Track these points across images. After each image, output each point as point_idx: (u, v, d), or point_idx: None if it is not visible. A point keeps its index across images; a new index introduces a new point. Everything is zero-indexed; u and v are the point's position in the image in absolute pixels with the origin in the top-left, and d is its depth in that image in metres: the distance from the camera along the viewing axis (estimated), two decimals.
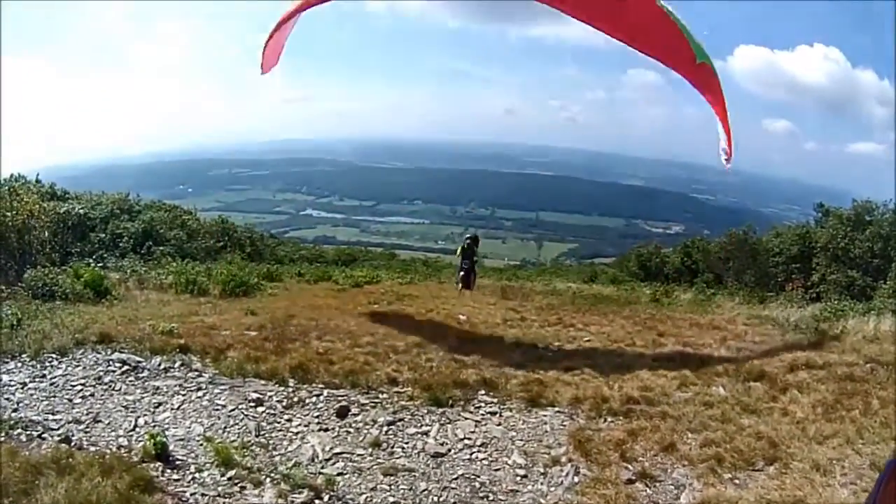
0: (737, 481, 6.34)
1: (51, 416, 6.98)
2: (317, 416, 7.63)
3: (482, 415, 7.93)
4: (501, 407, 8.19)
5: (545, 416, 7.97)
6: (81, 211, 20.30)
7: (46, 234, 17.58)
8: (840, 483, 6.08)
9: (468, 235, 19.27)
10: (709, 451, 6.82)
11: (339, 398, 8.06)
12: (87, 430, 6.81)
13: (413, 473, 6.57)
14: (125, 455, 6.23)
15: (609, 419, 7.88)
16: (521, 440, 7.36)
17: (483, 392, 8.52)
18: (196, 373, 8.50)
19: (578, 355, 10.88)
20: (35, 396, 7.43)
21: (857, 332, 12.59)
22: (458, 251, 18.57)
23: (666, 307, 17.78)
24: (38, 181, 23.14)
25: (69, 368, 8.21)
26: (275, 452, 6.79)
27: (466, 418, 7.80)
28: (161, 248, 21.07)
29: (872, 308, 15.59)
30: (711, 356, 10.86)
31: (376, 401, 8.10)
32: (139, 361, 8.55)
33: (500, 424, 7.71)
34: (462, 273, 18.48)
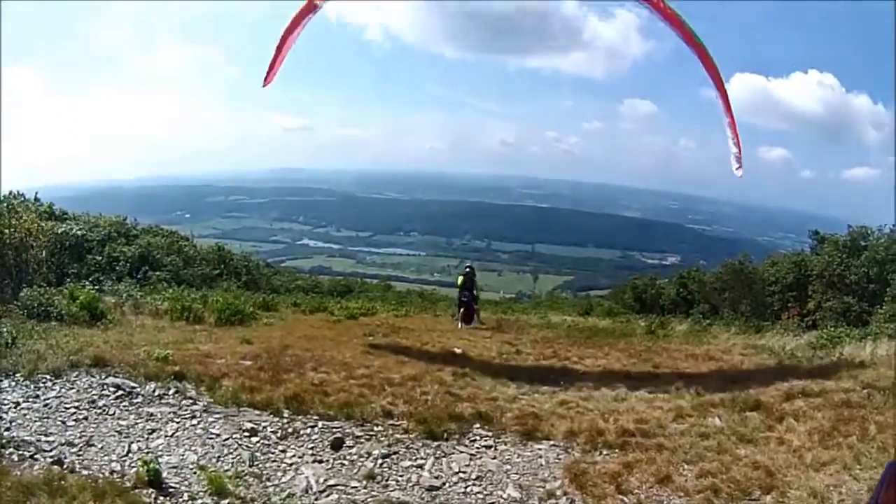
0: None
1: (43, 438, 6.94)
2: (311, 448, 7.58)
3: (477, 448, 7.87)
4: (496, 440, 8.13)
5: (540, 449, 7.92)
6: (79, 232, 20.31)
7: (44, 253, 17.57)
8: None
9: (467, 265, 19.36)
10: (705, 482, 6.79)
11: (334, 430, 8.01)
12: (80, 453, 6.77)
13: None
14: (118, 480, 6.21)
15: (604, 452, 7.84)
16: (517, 473, 7.31)
17: (478, 425, 8.47)
18: (190, 400, 8.45)
19: (574, 388, 10.86)
20: (28, 416, 7.40)
21: (853, 358, 12.67)
22: (459, 283, 18.64)
23: (661, 339, 17.80)
24: (36, 199, 23.16)
25: (63, 390, 8.17)
26: (269, 483, 6.74)
27: (461, 451, 7.75)
28: (157, 273, 21.07)
29: (869, 333, 15.60)
30: (707, 387, 10.82)
31: (371, 433, 8.04)
32: (133, 387, 8.50)
33: (495, 458, 7.66)
34: (462, 308, 18.54)
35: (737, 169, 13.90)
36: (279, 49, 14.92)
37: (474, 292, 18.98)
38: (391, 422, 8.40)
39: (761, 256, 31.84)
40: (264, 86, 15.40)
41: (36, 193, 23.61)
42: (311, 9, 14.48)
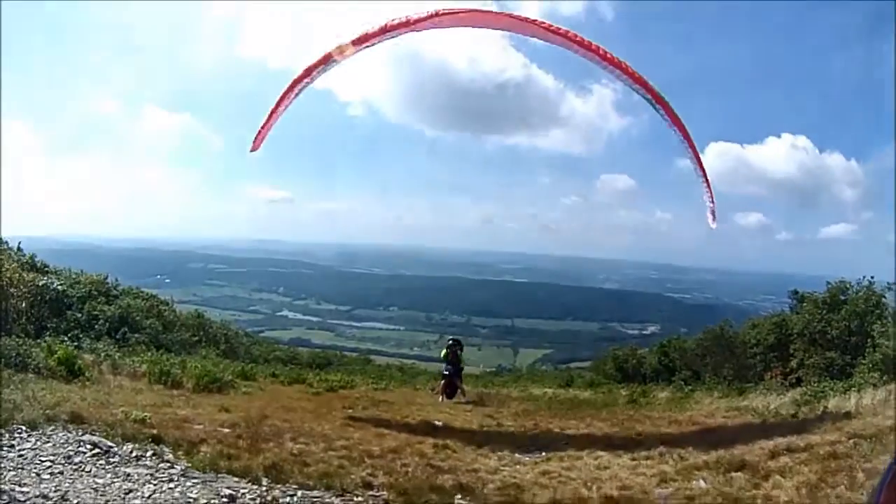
0: None
1: (17, 488, 6.79)
2: None
3: None
4: None
5: None
6: (60, 287, 20.10)
7: (24, 304, 17.47)
8: None
9: (451, 338, 19.43)
10: None
11: (314, 500, 7.86)
12: None
13: None
14: None
15: None
16: None
17: (459, 497, 8.34)
18: (168, 464, 8.29)
19: (556, 458, 10.82)
20: (3, 465, 7.28)
21: (838, 410, 12.82)
22: (442, 355, 18.64)
23: (644, 407, 17.87)
24: (19, 249, 23.05)
25: (38, 443, 8.04)
26: None
27: None
28: (136, 335, 20.88)
29: (853, 385, 15.71)
30: (691, 451, 10.80)
31: (351, 503, 7.89)
32: (110, 446, 8.36)
33: None
34: (443, 381, 18.48)
35: (712, 222, 14.92)
36: (270, 115, 15.28)
37: (460, 365, 18.91)
38: (371, 493, 8.24)
39: (742, 320, 31.83)
40: (252, 150, 15.88)
41: (19, 244, 23.48)
42: (304, 78, 15.06)
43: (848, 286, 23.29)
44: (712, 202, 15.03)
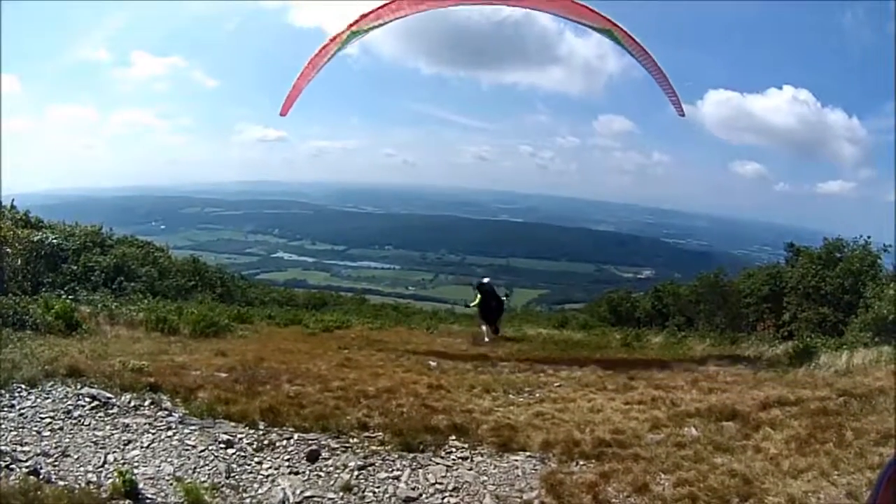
0: None
1: (19, 448, 6.90)
2: (287, 460, 7.58)
3: (453, 460, 7.91)
4: (472, 452, 8.17)
5: (516, 460, 7.97)
6: (55, 241, 20.02)
7: (19, 261, 17.48)
8: None
9: (484, 280, 19.37)
10: (682, 491, 6.87)
11: (310, 442, 8.03)
12: (56, 463, 6.74)
13: None
14: (94, 491, 6.19)
15: (581, 462, 7.90)
16: (493, 484, 7.34)
17: (454, 437, 8.51)
18: (166, 412, 8.43)
19: (549, 400, 10.95)
20: (3, 426, 7.36)
21: (829, 366, 12.92)
22: (477, 302, 18.64)
23: (637, 351, 17.96)
24: (12, 207, 23.00)
25: (38, 400, 8.14)
26: (245, 495, 6.75)
27: (437, 463, 7.78)
28: (132, 283, 20.88)
29: (844, 343, 15.90)
30: (683, 398, 10.93)
31: (347, 445, 8.06)
32: (109, 397, 8.47)
33: (471, 469, 7.69)
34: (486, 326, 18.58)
35: (680, 113, 16.21)
36: (298, 80, 15.70)
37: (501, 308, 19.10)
38: (367, 434, 8.41)
39: (736, 269, 31.87)
40: (282, 114, 16.27)
41: (12, 200, 23.40)
42: (338, 42, 15.37)
43: (844, 244, 23.34)
44: (676, 95, 15.82)
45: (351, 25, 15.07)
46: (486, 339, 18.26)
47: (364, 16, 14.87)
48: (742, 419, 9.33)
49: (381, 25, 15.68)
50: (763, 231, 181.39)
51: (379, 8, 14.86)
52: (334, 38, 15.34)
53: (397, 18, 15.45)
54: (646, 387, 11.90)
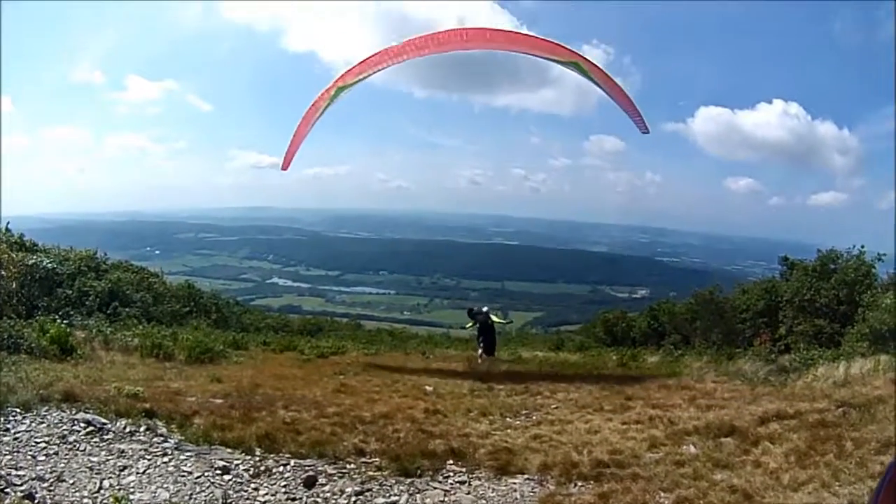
0: None
1: (14, 472, 6.84)
2: (284, 486, 7.51)
3: (451, 484, 7.85)
4: (470, 476, 8.12)
5: (515, 483, 7.93)
6: (50, 265, 19.97)
7: (14, 285, 17.45)
8: None
9: (483, 308, 19.53)
10: None
11: (307, 468, 7.97)
12: (51, 488, 6.67)
13: None
14: None
15: (579, 484, 7.85)
16: None
17: (451, 461, 8.45)
18: (162, 438, 8.37)
19: (546, 422, 10.94)
20: None
21: (827, 378, 12.91)
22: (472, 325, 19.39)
23: (633, 370, 17.93)
24: (7, 230, 22.95)
25: (33, 424, 8.07)
26: None
27: (435, 488, 7.73)
28: (127, 309, 20.87)
29: (842, 354, 15.81)
30: (681, 416, 10.93)
31: (344, 471, 7.99)
32: (104, 423, 8.41)
33: (469, 493, 7.64)
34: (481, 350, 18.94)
35: (644, 130, 16.89)
36: (297, 135, 16.74)
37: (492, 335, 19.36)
38: (364, 459, 8.36)
39: (731, 285, 31.89)
40: (283, 169, 17.47)
41: (7, 223, 23.38)
42: (326, 98, 16.34)
43: (838, 255, 23.41)
44: (639, 114, 16.54)
45: (337, 81, 16.09)
46: (479, 361, 18.64)
47: (349, 71, 15.96)
48: (741, 435, 9.32)
49: (365, 78, 16.56)
50: (757, 246, 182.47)
51: (361, 63, 15.91)
52: (323, 94, 16.20)
53: (379, 71, 16.28)
54: (643, 406, 11.92)
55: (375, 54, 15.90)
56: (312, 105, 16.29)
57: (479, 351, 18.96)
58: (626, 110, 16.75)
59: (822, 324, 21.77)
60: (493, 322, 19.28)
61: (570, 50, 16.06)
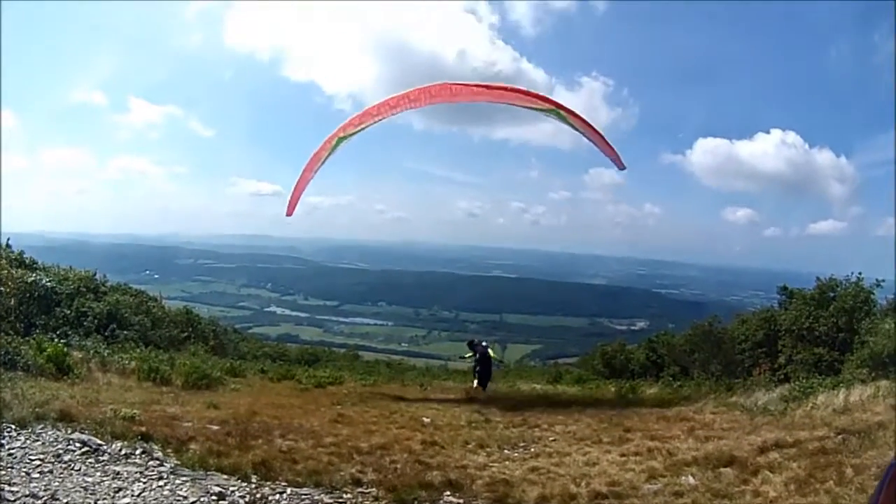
0: None
1: (7, 488, 6.79)
2: None
3: None
4: None
5: None
6: (49, 283, 19.91)
7: (12, 301, 17.41)
8: None
9: (483, 342, 20.38)
10: None
11: (303, 497, 7.90)
12: None
13: None
14: None
15: None
16: None
17: (448, 493, 8.36)
18: (157, 461, 8.31)
19: (544, 454, 10.89)
20: None
21: (826, 406, 12.91)
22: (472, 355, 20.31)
23: (632, 403, 17.84)
24: (7, 246, 23.00)
25: (28, 442, 8.07)
26: None
27: None
28: (125, 332, 20.78)
29: (841, 381, 15.73)
30: (680, 447, 10.88)
31: (340, 501, 7.92)
32: (100, 444, 8.38)
33: None
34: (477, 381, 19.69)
35: (621, 167, 18.15)
36: (300, 181, 17.55)
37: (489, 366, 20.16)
38: (361, 489, 8.28)
39: (730, 316, 31.76)
40: (287, 215, 18.26)
41: (7, 240, 23.39)
42: (328, 147, 17.27)
43: (837, 283, 23.40)
44: (613, 151, 17.65)
45: (338, 132, 16.87)
46: (473, 391, 19.23)
47: (349, 122, 16.80)
48: (740, 464, 9.28)
49: (363, 129, 17.27)
50: (756, 276, 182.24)
51: (360, 114, 16.83)
52: (325, 144, 17.08)
53: (375, 123, 16.97)
54: (641, 438, 11.89)
55: (373, 107, 16.72)
56: (315, 154, 17.07)
57: (475, 382, 19.51)
58: (602, 150, 17.63)
59: (822, 352, 21.72)
60: (490, 356, 19.98)
61: (549, 99, 16.86)
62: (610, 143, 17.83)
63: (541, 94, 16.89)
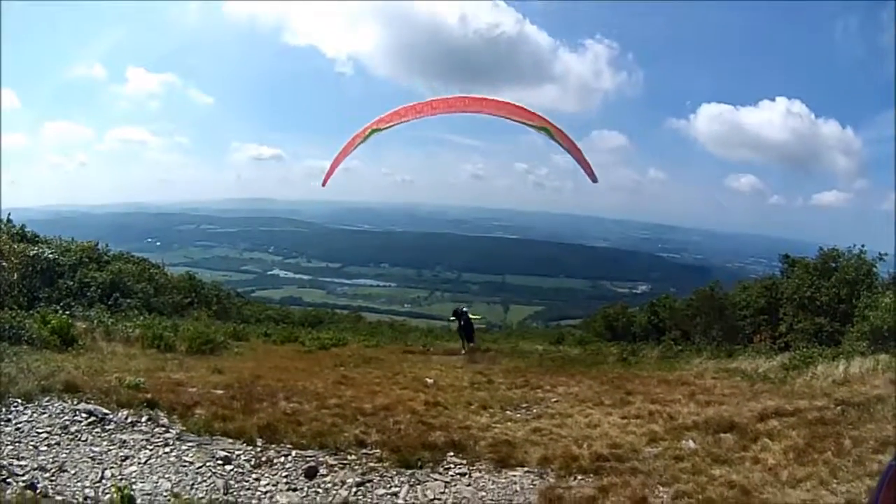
0: None
1: (16, 462, 6.87)
2: (285, 476, 7.55)
3: (451, 476, 7.89)
4: (470, 468, 8.16)
5: (515, 476, 7.97)
6: (51, 256, 19.90)
7: (15, 276, 17.41)
8: None
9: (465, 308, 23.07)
10: (681, 503, 6.85)
11: (308, 459, 8.00)
12: (53, 478, 6.71)
13: None
14: None
15: (579, 477, 7.89)
16: (492, 500, 7.33)
17: (452, 454, 8.49)
18: (163, 428, 8.40)
19: (546, 416, 10.96)
20: (1, 440, 7.33)
21: (826, 376, 12.94)
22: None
23: (633, 366, 17.98)
24: (9, 221, 22.97)
25: (35, 415, 8.11)
26: None
27: (436, 479, 7.76)
28: (128, 300, 20.79)
29: (841, 352, 15.82)
30: (680, 411, 10.95)
31: (345, 462, 8.03)
32: (106, 413, 8.44)
33: (469, 485, 7.67)
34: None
35: (593, 180, 18.53)
36: (336, 160, 18.56)
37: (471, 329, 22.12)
38: (364, 451, 8.40)
39: (731, 282, 31.68)
40: (322, 185, 19.13)
41: (8, 215, 23.32)
42: (361, 136, 18.30)
43: (839, 254, 23.30)
44: (587, 164, 18.50)
45: (371, 125, 18.00)
46: (463, 351, 20.55)
47: (381, 119, 18.02)
48: (740, 431, 9.37)
49: (393, 126, 18.30)
50: (758, 244, 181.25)
51: (392, 113, 18.11)
52: (360, 133, 18.17)
53: (404, 122, 18.09)
54: (643, 401, 11.94)
55: (402, 108, 18.13)
56: (351, 139, 18.20)
57: (462, 342, 21.83)
58: (580, 164, 18.62)
59: (823, 322, 21.70)
60: (470, 318, 22.43)
61: (540, 116, 18.06)
62: (587, 159, 18.88)
63: (533, 111, 18.21)
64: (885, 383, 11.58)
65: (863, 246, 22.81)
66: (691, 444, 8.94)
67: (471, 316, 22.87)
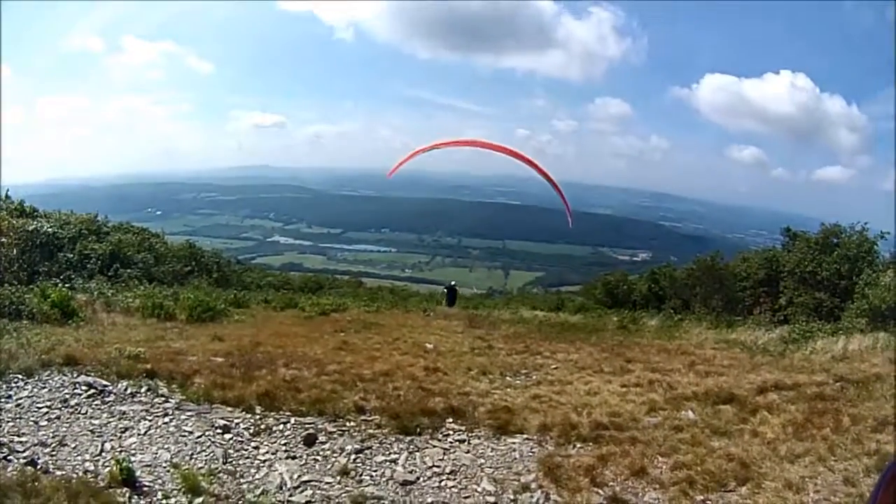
0: (709, 502, 6.40)
1: (16, 438, 6.87)
2: (284, 444, 7.58)
3: (450, 442, 7.92)
4: (470, 434, 8.19)
5: (514, 443, 8.01)
6: (50, 229, 19.85)
7: (14, 251, 17.41)
8: (813, 500, 6.19)
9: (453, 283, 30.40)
10: (680, 474, 6.88)
11: (307, 426, 8.03)
12: (54, 453, 6.71)
13: (382, 501, 6.52)
14: (92, 480, 6.16)
15: (578, 445, 7.92)
16: (491, 467, 7.35)
17: (451, 420, 8.52)
18: (163, 398, 8.42)
19: (545, 382, 10.99)
20: (0, 417, 7.33)
21: (826, 351, 13.03)
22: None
23: (633, 334, 18.04)
24: (7, 197, 22.92)
25: (35, 390, 8.12)
26: (242, 480, 6.73)
27: (435, 446, 7.79)
28: (128, 270, 20.80)
29: (841, 328, 15.93)
30: (680, 381, 10.99)
31: (344, 429, 8.06)
32: (106, 385, 8.46)
33: (468, 452, 7.70)
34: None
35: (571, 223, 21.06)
36: (408, 157, 21.25)
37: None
38: (364, 417, 8.44)
39: (732, 253, 31.68)
40: (388, 176, 22.55)
41: (6, 191, 23.27)
42: (427, 149, 20.82)
43: (841, 230, 23.25)
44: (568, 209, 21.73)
45: (436, 144, 21.05)
46: (447, 308, 24.56)
47: (442, 143, 20.86)
48: (739, 403, 9.40)
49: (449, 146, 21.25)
50: (759, 216, 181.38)
51: (450, 143, 21.23)
52: (425, 147, 20.86)
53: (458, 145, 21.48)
54: (642, 370, 11.98)
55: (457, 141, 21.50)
56: (423, 148, 20.91)
57: (444, 303, 28.90)
58: (563, 203, 21.74)
59: (823, 297, 21.75)
60: (455, 289, 31.05)
61: (526, 158, 21.34)
62: (567, 201, 22.62)
63: (520, 152, 21.60)
64: (884, 362, 11.63)
65: (865, 223, 22.78)
66: (691, 414, 8.97)
67: (456, 289, 31.44)
